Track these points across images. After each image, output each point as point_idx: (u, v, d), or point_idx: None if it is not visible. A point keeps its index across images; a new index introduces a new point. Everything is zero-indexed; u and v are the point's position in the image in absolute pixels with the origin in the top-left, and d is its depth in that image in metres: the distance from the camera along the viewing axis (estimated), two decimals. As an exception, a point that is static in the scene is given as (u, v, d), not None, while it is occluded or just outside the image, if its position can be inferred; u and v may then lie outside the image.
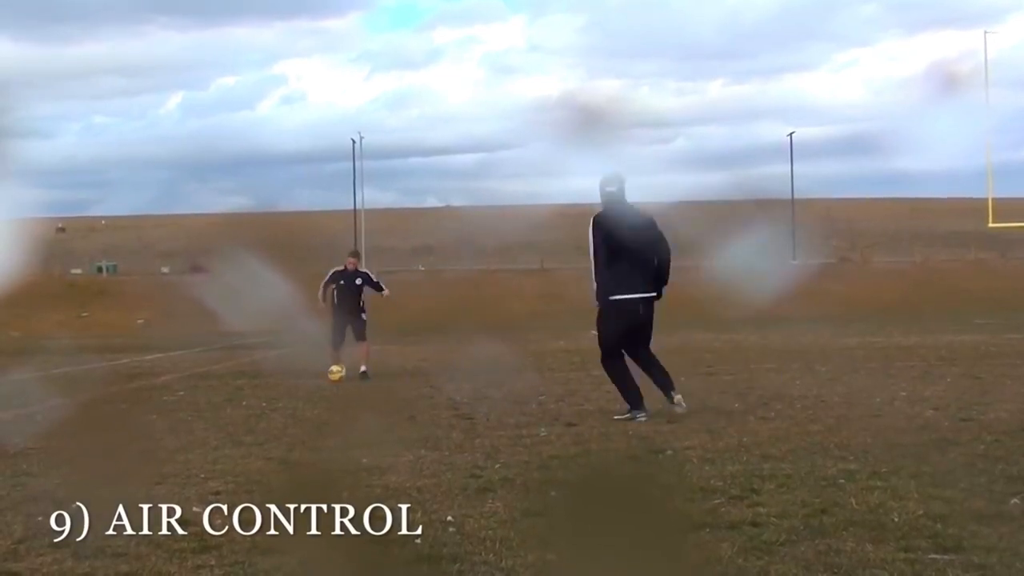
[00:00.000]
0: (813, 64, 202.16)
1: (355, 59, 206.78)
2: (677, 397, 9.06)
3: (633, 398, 8.93)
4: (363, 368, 14.64)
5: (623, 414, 8.88)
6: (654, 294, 9.11)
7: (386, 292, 15.23)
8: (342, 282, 14.98)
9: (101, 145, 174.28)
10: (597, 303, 9.09)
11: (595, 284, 9.03)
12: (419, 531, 4.95)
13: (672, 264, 9.10)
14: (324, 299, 14.94)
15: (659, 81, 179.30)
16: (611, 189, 9.06)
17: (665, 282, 9.13)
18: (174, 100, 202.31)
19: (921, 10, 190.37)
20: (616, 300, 8.95)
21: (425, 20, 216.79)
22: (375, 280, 15.28)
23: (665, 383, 9.14)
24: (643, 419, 8.66)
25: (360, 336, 14.87)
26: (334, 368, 14.27)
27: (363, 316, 15.05)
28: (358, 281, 15.11)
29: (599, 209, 9.06)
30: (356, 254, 15.77)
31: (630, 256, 8.89)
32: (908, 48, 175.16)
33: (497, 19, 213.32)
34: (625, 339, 9.12)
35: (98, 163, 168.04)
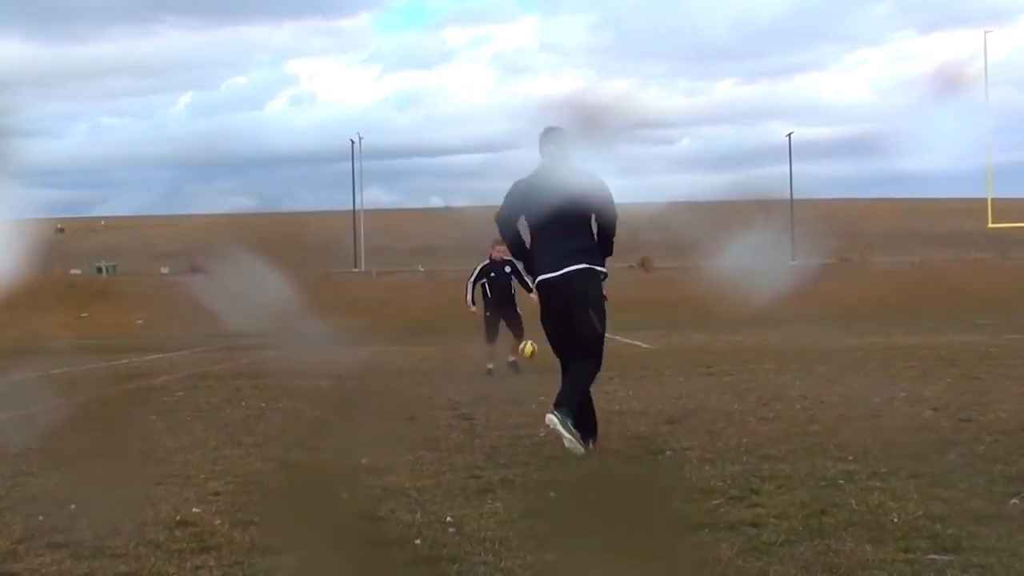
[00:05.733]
0: (823, 64, 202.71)
1: (366, 59, 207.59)
2: (549, 417, 6.90)
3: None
4: (512, 358, 14.29)
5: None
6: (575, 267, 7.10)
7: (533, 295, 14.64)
8: (492, 275, 14.57)
9: (107, 145, 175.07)
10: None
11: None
12: (418, 532, 4.96)
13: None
14: (473, 301, 14.58)
15: (669, 81, 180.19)
16: (548, 148, 7.32)
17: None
18: (183, 100, 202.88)
19: (934, 10, 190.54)
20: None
21: (437, 20, 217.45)
22: (523, 272, 14.78)
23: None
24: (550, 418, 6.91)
25: (517, 332, 14.39)
26: (526, 343, 13.81)
27: (518, 310, 14.50)
28: (507, 269, 14.53)
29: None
30: (500, 240, 15.02)
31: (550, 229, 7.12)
32: (920, 48, 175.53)
33: (509, 19, 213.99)
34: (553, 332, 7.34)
35: (103, 163, 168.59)
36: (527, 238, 7.41)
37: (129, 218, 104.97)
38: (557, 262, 7.06)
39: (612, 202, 7.15)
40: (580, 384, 7.06)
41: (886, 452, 6.70)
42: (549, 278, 7.11)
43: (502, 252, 14.49)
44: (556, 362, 7.41)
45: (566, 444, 6.81)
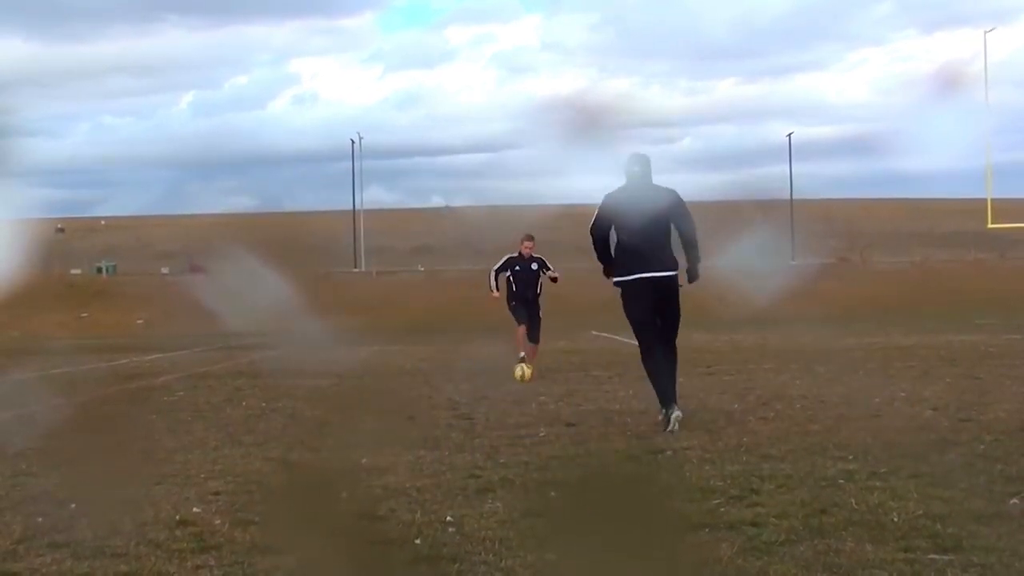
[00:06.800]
0: (824, 64, 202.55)
1: (367, 58, 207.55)
2: (674, 416, 8.20)
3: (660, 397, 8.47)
4: (522, 352, 14.11)
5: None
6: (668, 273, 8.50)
7: (551, 275, 14.44)
8: (517, 268, 14.46)
9: (107, 145, 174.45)
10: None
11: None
12: (418, 531, 4.96)
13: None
14: (497, 287, 14.53)
15: (671, 80, 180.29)
16: (635, 169, 8.64)
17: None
18: (185, 100, 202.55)
19: (936, 10, 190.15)
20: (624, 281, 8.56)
21: (439, 19, 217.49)
22: (548, 264, 14.58)
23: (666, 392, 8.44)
24: (675, 415, 8.16)
25: (534, 337, 14.36)
26: (523, 367, 13.67)
27: (539, 313, 14.50)
28: (534, 266, 14.47)
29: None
30: (531, 236, 14.73)
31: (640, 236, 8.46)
32: (921, 48, 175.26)
33: (512, 18, 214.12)
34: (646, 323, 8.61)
35: (103, 163, 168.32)
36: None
37: (129, 218, 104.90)
38: (650, 264, 8.42)
39: (690, 213, 8.56)
40: (674, 371, 8.58)
41: (886, 452, 6.70)
42: (645, 277, 8.41)
43: (530, 248, 14.61)
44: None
45: (671, 429, 8.08)
